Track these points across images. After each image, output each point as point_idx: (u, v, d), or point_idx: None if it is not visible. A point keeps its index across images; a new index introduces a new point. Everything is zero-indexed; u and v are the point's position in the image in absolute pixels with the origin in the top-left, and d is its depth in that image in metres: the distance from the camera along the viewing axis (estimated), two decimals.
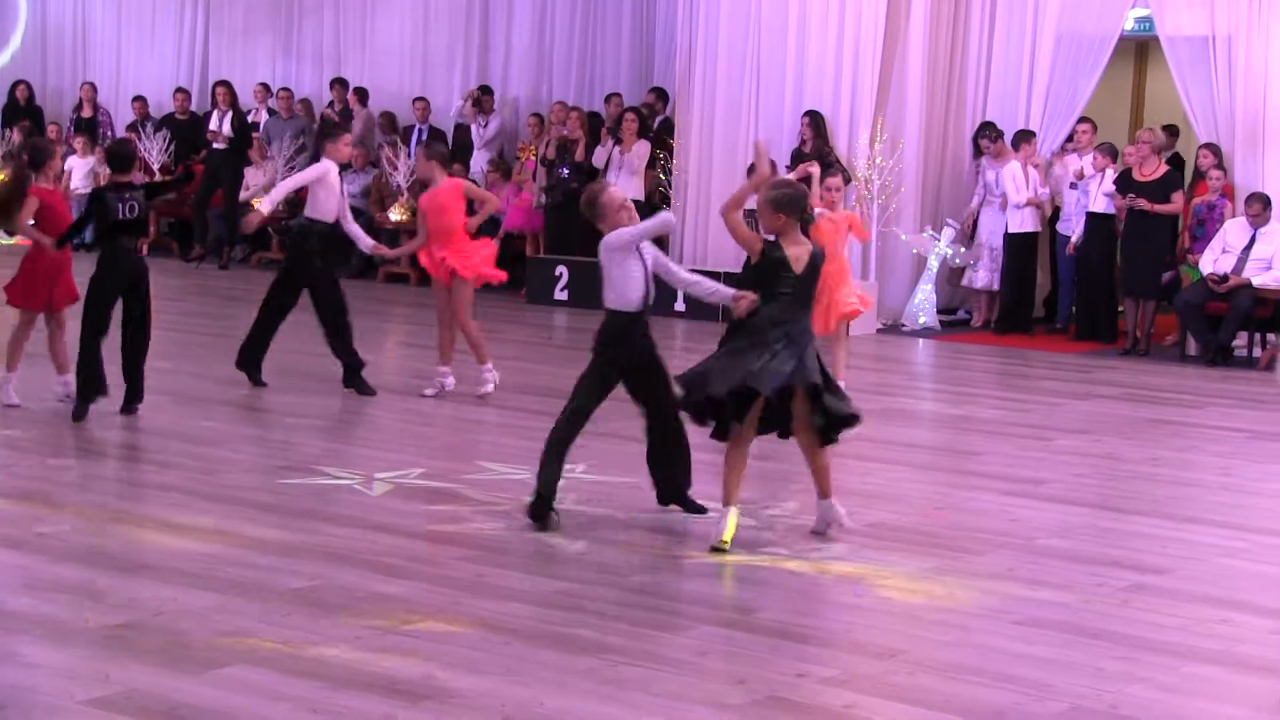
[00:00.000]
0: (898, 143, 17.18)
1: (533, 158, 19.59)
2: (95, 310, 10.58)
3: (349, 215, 12.20)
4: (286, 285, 11.98)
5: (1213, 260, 15.48)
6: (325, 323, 11.89)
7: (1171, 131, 17.83)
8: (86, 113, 23.71)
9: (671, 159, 18.19)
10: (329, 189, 11.86)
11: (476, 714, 5.53)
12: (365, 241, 12.45)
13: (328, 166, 11.96)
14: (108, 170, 11.08)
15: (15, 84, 24.55)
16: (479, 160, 20.57)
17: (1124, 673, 6.22)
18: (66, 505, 8.36)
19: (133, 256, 10.65)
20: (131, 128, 22.87)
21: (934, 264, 17.40)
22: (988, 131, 17.26)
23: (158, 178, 20.14)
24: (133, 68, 24.67)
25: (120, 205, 10.48)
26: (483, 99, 20.96)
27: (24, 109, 24.11)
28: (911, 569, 7.66)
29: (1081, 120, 17.16)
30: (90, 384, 10.56)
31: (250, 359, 12.00)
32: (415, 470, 9.39)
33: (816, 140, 17.17)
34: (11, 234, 11.24)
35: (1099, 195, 16.31)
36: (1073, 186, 16.90)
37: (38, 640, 6.17)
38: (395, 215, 19.60)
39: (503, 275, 12.12)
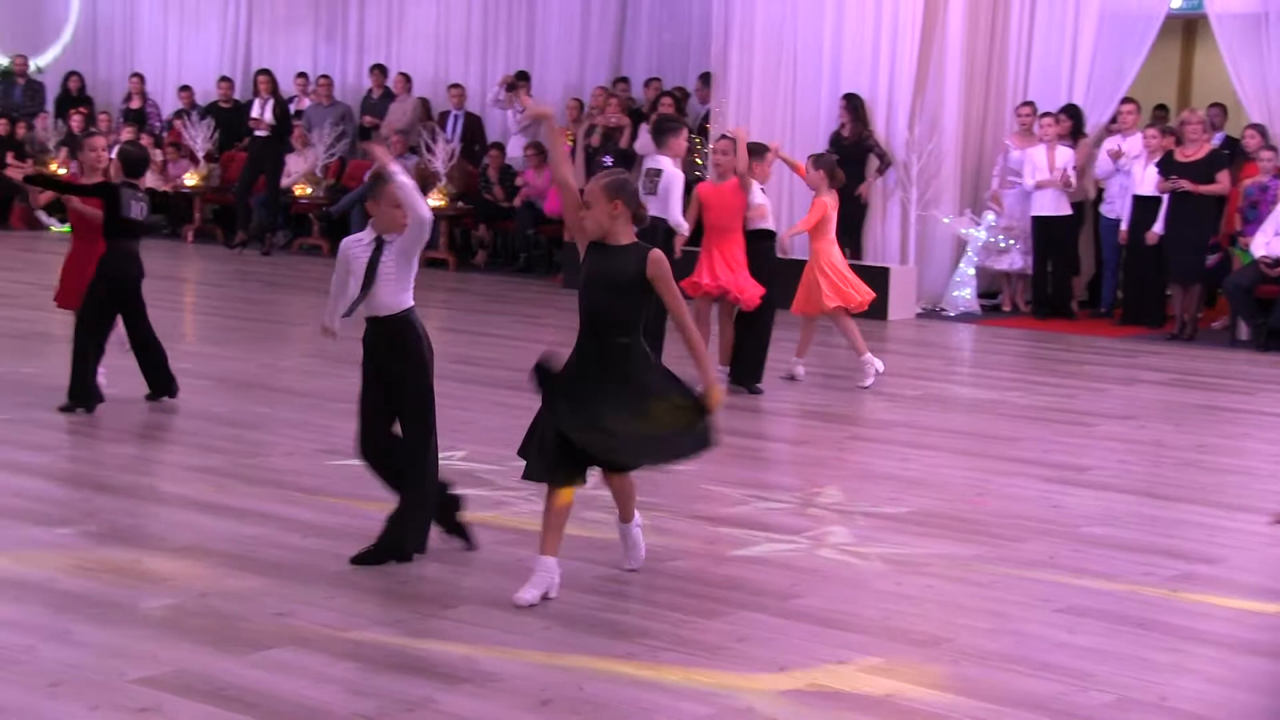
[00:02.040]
0: (936, 125, 17.10)
1: (570, 142, 19.53)
2: (95, 314, 10.30)
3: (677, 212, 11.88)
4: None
5: (1264, 243, 15.29)
6: None
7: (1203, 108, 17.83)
8: (135, 104, 24.08)
9: (706, 144, 18.04)
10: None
11: (515, 697, 5.54)
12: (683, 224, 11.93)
13: (664, 164, 11.66)
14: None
15: (68, 75, 24.92)
16: (515, 145, 20.58)
17: (1173, 664, 6.16)
18: (114, 487, 8.41)
19: (136, 260, 10.39)
20: (178, 116, 23.18)
21: (974, 248, 17.32)
22: (1070, 112, 16.99)
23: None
24: (178, 58, 25.09)
25: (133, 203, 10.29)
26: (519, 84, 20.96)
27: (76, 99, 24.34)
28: (953, 556, 7.63)
29: (1125, 101, 16.93)
30: (80, 395, 10.23)
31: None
32: (458, 453, 9.40)
33: (855, 124, 17.11)
34: (64, 221, 11.16)
35: (1145, 177, 16.13)
36: (1116, 169, 16.77)
37: (88, 620, 6.22)
38: (433, 201, 19.58)
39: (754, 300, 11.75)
